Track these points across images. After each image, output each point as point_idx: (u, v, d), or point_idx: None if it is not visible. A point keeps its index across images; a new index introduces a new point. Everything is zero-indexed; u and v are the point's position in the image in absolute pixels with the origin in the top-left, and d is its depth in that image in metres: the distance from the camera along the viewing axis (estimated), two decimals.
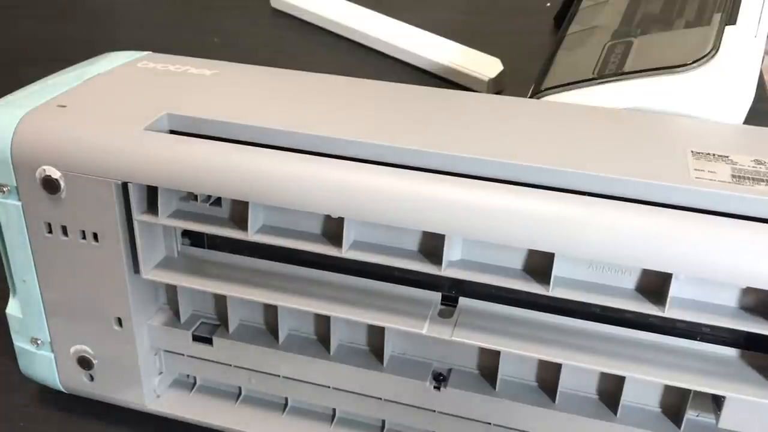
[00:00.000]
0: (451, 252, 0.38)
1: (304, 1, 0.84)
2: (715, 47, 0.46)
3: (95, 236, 0.41)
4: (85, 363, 0.45)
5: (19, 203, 0.41)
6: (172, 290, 0.44)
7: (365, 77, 0.48)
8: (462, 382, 0.41)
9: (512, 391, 0.41)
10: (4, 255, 0.44)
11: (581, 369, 0.38)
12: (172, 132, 0.41)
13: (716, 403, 0.38)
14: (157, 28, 0.90)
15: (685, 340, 0.38)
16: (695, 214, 0.34)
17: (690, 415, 0.38)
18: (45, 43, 0.87)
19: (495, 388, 0.41)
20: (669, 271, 0.35)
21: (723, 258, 0.33)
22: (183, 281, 0.42)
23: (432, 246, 0.38)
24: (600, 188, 0.36)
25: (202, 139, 0.39)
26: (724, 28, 0.49)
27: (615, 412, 0.39)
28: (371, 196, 0.36)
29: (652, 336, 0.38)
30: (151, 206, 0.41)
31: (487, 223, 0.35)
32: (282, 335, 0.43)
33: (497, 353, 0.39)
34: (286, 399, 0.46)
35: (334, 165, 0.37)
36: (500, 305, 0.40)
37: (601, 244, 0.34)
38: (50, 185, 0.40)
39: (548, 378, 0.40)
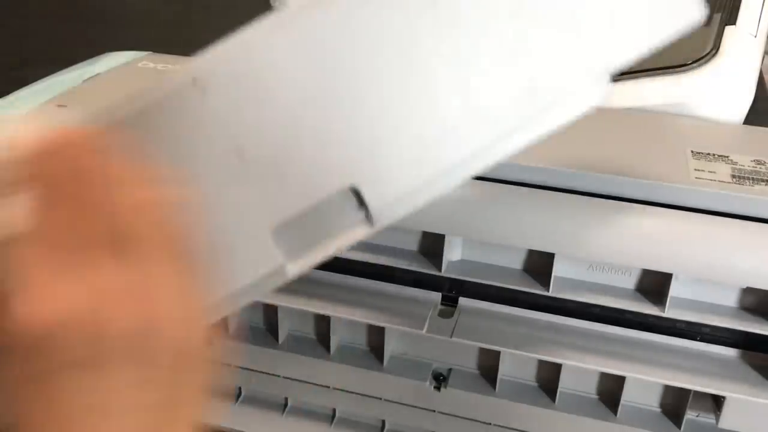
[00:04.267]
0: (452, 252, 0.38)
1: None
2: (715, 47, 0.46)
3: None
4: None
5: None
6: None
7: None
8: (462, 382, 0.41)
9: (512, 391, 0.41)
10: None
11: (581, 369, 0.38)
12: None
13: (716, 403, 0.38)
14: (158, 28, 0.90)
15: (685, 340, 0.38)
16: (695, 214, 0.34)
17: (690, 415, 0.38)
18: (45, 43, 0.87)
19: (495, 388, 0.40)
20: (669, 271, 0.35)
21: (723, 258, 0.33)
22: None
23: (432, 246, 0.38)
24: (600, 188, 0.36)
25: None
26: (724, 28, 0.49)
27: (615, 412, 0.39)
28: None
29: (652, 336, 0.38)
30: None
31: (488, 223, 0.35)
32: (282, 335, 0.43)
33: (497, 353, 0.39)
34: (286, 399, 0.46)
35: None
36: (500, 305, 0.40)
37: (601, 244, 0.34)
38: None
39: (548, 378, 0.40)
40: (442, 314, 0.40)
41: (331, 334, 0.42)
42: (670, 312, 0.36)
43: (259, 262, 0.25)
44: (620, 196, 0.35)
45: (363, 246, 0.39)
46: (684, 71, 0.45)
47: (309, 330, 0.44)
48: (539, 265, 0.37)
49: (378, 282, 0.41)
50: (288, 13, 0.25)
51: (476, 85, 0.25)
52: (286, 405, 0.46)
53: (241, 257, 0.25)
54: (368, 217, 0.26)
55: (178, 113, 0.25)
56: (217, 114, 0.25)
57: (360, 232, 0.26)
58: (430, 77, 0.25)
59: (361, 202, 0.26)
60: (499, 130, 0.26)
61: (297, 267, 0.26)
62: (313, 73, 0.25)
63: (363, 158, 0.25)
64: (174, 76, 0.25)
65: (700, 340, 0.38)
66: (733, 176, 0.36)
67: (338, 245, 0.26)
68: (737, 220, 0.34)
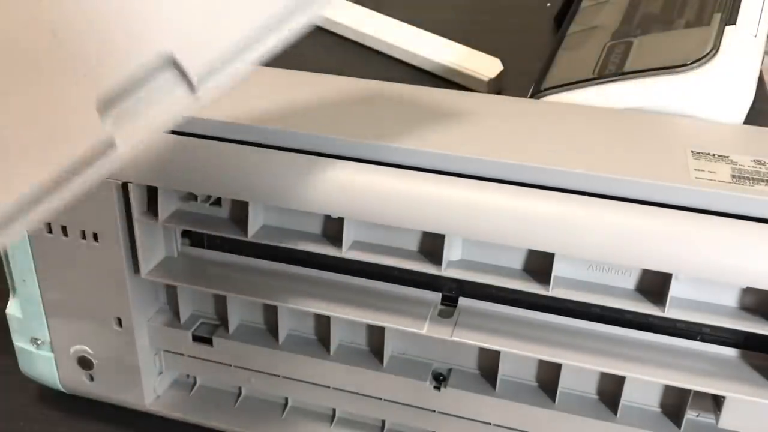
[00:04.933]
0: (451, 252, 0.38)
1: None
2: (715, 47, 0.46)
3: (95, 236, 0.41)
4: (85, 363, 0.45)
5: None
6: (172, 290, 0.44)
7: (365, 77, 0.48)
8: (462, 382, 0.41)
9: (512, 391, 0.41)
10: (4, 255, 0.44)
11: (581, 369, 0.38)
12: (171, 132, 0.41)
13: (716, 403, 0.38)
14: None
15: (685, 340, 0.38)
16: (695, 214, 0.34)
17: (690, 415, 0.38)
18: None
19: (495, 388, 0.41)
20: (669, 271, 0.35)
21: (723, 258, 0.33)
22: (183, 281, 0.42)
23: (432, 246, 0.38)
24: (600, 188, 0.36)
25: (201, 139, 0.39)
26: (724, 28, 0.49)
27: (615, 412, 0.39)
28: (372, 196, 0.36)
29: (652, 336, 0.38)
30: (151, 206, 0.41)
31: (487, 223, 0.35)
32: (282, 335, 0.43)
33: (497, 353, 0.39)
34: (286, 399, 0.46)
35: (331, 164, 0.37)
36: (500, 305, 0.40)
37: (601, 244, 0.34)
38: None
39: (548, 378, 0.40)
40: (442, 314, 0.40)
41: (331, 334, 0.42)
42: (670, 312, 0.36)
43: (85, 135, 0.26)
44: (620, 196, 0.35)
45: (363, 246, 0.39)
46: (684, 71, 0.45)
47: (309, 330, 0.44)
48: (539, 265, 0.37)
49: (378, 282, 0.41)
50: None
51: None
52: (286, 405, 0.46)
53: (67, 132, 0.26)
54: (190, 86, 0.26)
55: None
56: None
57: (184, 102, 0.27)
58: None
59: (180, 71, 0.26)
60: None
61: (127, 141, 0.26)
62: None
63: (173, 25, 0.26)
64: None
65: (700, 340, 0.38)
66: (733, 176, 0.36)
67: (164, 116, 0.27)
68: (737, 220, 0.34)
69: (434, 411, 0.42)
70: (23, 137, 0.25)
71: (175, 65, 0.26)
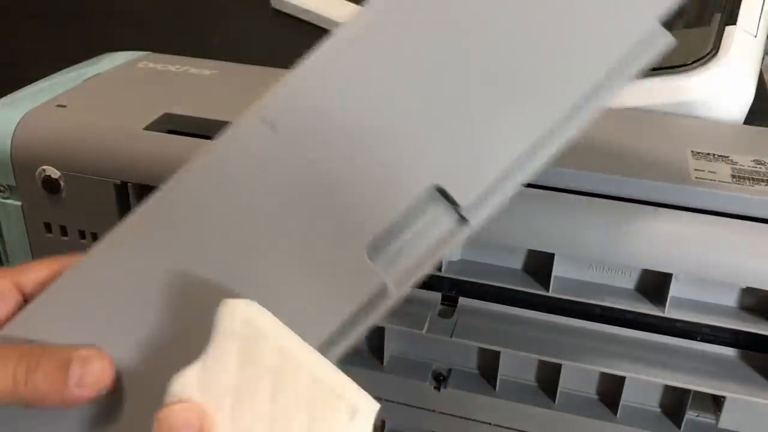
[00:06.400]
0: (452, 252, 0.38)
1: (304, 1, 0.84)
2: (715, 47, 0.46)
3: (94, 236, 0.41)
4: None
5: (19, 203, 0.41)
6: None
7: None
8: (462, 382, 0.41)
9: (512, 391, 0.41)
10: (4, 255, 0.44)
11: (581, 369, 0.38)
12: (171, 132, 0.41)
13: (716, 403, 0.38)
14: (157, 28, 0.90)
15: (685, 340, 0.38)
16: (695, 214, 0.34)
17: (690, 415, 0.38)
18: (45, 43, 0.87)
19: (495, 388, 0.40)
20: (669, 271, 0.35)
21: (723, 258, 0.33)
22: None
23: None
24: (600, 188, 0.36)
25: (201, 139, 0.39)
26: (724, 28, 0.49)
27: (615, 412, 0.39)
28: None
29: (652, 336, 0.38)
30: None
31: (492, 224, 0.35)
32: None
33: (497, 353, 0.39)
34: None
35: None
36: (500, 305, 0.40)
37: (601, 244, 0.34)
38: (50, 185, 0.40)
39: (548, 378, 0.40)
40: (442, 314, 0.40)
41: None
42: (670, 312, 0.36)
43: (359, 285, 0.25)
44: (620, 196, 0.35)
45: None
46: (684, 71, 0.45)
47: None
48: (539, 265, 0.37)
49: None
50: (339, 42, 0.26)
51: (544, 61, 0.25)
52: None
53: (341, 284, 0.25)
54: (462, 216, 0.25)
55: (250, 153, 0.25)
56: (290, 149, 0.25)
57: (459, 234, 0.25)
58: (499, 54, 0.25)
59: (449, 201, 0.25)
60: (573, 100, 0.26)
61: (402, 284, 0.25)
62: (380, 84, 0.25)
63: (441, 155, 0.25)
64: (241, 119, 0.26)
65: (700, 340, 0.38)
66: (733, 176, 0.36)
67: (434, 251, 0.25)
68: (737, 220, 0.34)
69: (434, 411, 0.42)
70: (308, 295, 0.25)
71: (445, 196, 0.25)
